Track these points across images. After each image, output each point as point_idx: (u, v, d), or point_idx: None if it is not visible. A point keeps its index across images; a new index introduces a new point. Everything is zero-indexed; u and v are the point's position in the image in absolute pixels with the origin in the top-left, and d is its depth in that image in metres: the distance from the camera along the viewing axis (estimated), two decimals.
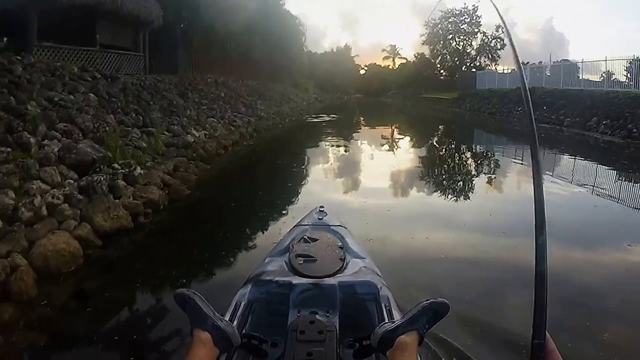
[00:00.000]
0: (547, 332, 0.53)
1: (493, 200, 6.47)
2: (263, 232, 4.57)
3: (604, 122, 13.64)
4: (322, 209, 2.32)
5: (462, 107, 26.21)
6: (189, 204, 5.37)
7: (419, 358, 1.25)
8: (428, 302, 1.35)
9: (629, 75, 16.69)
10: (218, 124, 10.81)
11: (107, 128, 6.24)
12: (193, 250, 3.94)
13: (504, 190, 7.23)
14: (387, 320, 1.47)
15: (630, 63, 16.24)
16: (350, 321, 1.59)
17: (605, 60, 17.66)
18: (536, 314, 0.41)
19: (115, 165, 5.10)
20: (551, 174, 7.82)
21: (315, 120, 19.83)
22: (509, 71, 26.63)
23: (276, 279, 1.65)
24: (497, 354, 2.37)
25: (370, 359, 1.43)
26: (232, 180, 7.31)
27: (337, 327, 1.46)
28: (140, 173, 5.28)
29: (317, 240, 1.94)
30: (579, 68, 19.71)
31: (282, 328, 1.47)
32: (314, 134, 14.73)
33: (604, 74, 18.51)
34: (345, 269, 1.79)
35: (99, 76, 9.04)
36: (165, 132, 8.01)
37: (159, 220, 4.69)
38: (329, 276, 1.69)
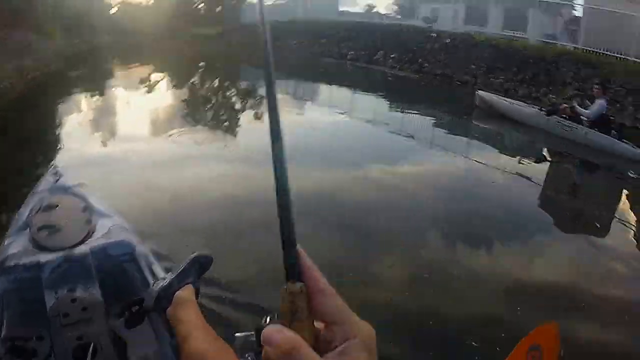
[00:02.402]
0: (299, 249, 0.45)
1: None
2: None
3: (391, 56, 14.00)
4: (56, 170, 2.05)
5: (228, 43, 22.81)
6: None
7: (198, 309, 1.16)
8: (194, 255, 1.26)
9: (396, 8, 17.60)
10: None
11: None
12: None
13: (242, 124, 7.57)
14: (150, 279, 1.39)
15: None
16: (113, 288, 1.46)
17: None
18: (283, 232, 0.37)
19: None
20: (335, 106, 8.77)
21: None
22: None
23: (22, 261, 1.45)
24: None
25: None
26: None
27: (100, 298, 1.35)
28: None
29: (57, 206, 1.71)
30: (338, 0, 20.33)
31: (44, 317, 1.32)
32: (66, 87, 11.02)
33: (366, 6, 19.71)
34: (94, 232, 1.60)
35: None
36: None
37: None
38: (78, 244, 1.52)
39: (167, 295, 1.19)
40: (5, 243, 1.68)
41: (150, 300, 1.20)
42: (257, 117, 7.81)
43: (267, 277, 2.60)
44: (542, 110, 8.15)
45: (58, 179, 1.99)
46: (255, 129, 6.82)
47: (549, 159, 7.40)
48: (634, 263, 3.73)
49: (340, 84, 11.85)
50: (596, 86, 7.59)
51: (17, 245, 1.58)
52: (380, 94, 11.00)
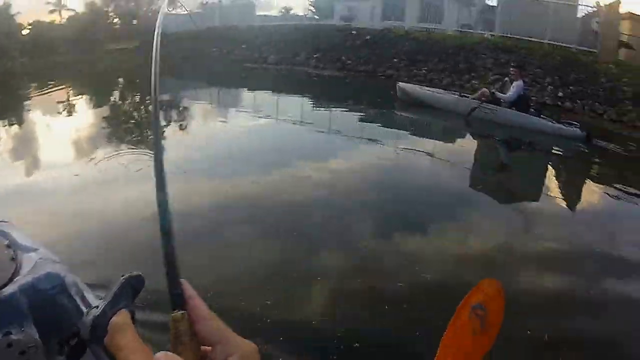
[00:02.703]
0: (182, 280, 0.47)
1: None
2: None
3: (314, 56, 14.04)
4: None
5: (148, 55, 22.81)
6: None
7: (135, 333, 0.92)
8: (124, 277, 1.02)
9: (312, 9, 17.96)
10: None
11: None
12: None
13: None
14: (83, 308, 1.32)
15: None
16: (47, 323, 1.35)
17: None
18: (168, 267, 0.43)
19: None
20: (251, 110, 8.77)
21: None
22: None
23: None
24: None
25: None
26: None
27: (38, 337, 1.24)
28: None
29: None
30: (255, 5, 20.31)
31: None
32: None
33: (282, 10, 20.02)
34: (21, 269, 1.48)
35: None
36: None
37: None
38: (5, 284, 1.38)
39: (101, 323, 0.99)
40: None
41: (85, 331, 0.98)
42: (181, 128, 7.44)
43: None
44: (462, 95, 8.20)
45: None
46: (180, 142, 6.44)
47: (473, 141, 7.48)
48: (560, 227, 4.02)
49: (264, 88, 11.55)
50: (512, 69, 7.76)
51: None
52: (305, 94, 10.86)
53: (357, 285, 2.78)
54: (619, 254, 3.46)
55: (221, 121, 8.13)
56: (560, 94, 10.11)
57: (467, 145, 7.19)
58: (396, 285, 2.77)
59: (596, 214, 4.55)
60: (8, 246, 1.59)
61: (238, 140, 6.56)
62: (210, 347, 0.43)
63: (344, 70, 13.21)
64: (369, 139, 6.72)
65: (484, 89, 8.06)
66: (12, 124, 8.33)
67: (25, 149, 6.42)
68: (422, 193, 4.56)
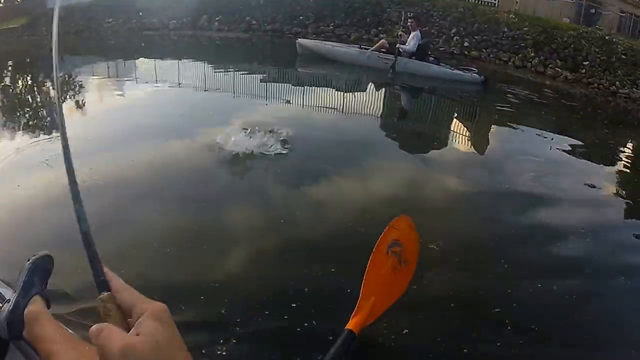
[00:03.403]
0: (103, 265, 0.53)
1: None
2: None
3: (217, 19, 13.45)
4: None
5: (37, 33, 18.71)
6: None
7: (52, 320, 1.18)
8: (30, 261, 1.26)
9: None
10: None
11: None
12: None
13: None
14: None
15: None
16: None
17: None
18: (91, 260, 0.50)
19: None
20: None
21: None
22: None
23: None
24: None
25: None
26: None
27: None
28: None
29: None
30: None
31: None
32: None
33: None
34: None
35: None
36: None
37: None
38: None
39: (17, 317, 1.16)
40: None
41: (3, 331, 1.15)
42: (79, 106, 6.64)
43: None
44: (362, 48, 8.11)
45: None
46: (89, 121, 5.85)
47: (377, 91, 7.55)
48: (466, 164, 4.30)
49: (165, 56, 10.80)
50: (410, 20, 7.86)
51: None
52: (209, 59, 10.25)
53: (274, 239, 2.73)
54: (518, 189, 3.72)
55: (118, 94, 7.51)
56: (466, 43, 10.40)
57: (371, 95, 7.21)
58: (312, 234, 2.78)
59: (494, 152, 4.85)
60: None
61: (136, 112, 6.12)
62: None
63: (249, 31, 12.68)
64: (273, 97, 6.56)
65: (383, 40, 8.13)
66: None
67: None
68: (329, 144, 4.50)
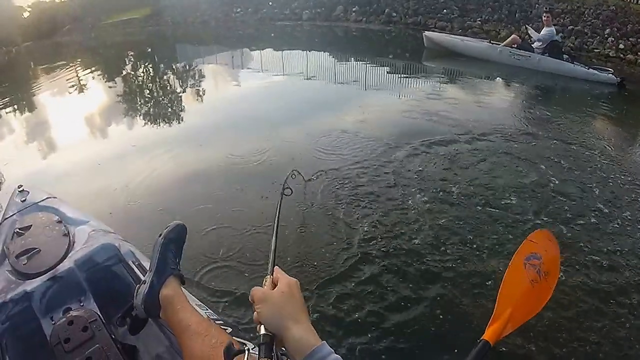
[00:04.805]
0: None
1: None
2: None
3: (353, 10, 13.02)
4: (21, 189, 1.89)
5: (161, 23, 19.70)
6: None
7: (186, 303, 1.19)
8: (161, 237, 1.25)
9: None
10: None
11: None
12: None
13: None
14: (141, 276, 1.34)
15: None
16: (108, 295, 1.40)
17: None
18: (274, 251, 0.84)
19: None
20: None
21: None
22: None
23: (8, 296, 1.32)
24: None
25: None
26: None
27: (99, 312, 1.28)
28: None
29: (31, 226, 1.59)
30: None
31: (47, 348, 1.20)
32: None
33: None
34: (75, 243, 1.53)
35: None
36: None
37: None
38: (61, 260, 1.42)
39: (153, 301, 1.17)
40: None
41: (140, 312, 1.19)
42: (199, 95, 7.46)
43: None
44: (492, 43, 8.01)
45: (25, 198, 1.86)
46: (197, 110, 6.59)
47: (506, 87, 7.34)
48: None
49: (293, 47, 11.00)
50: (545, 14, 7.52)
51: None
52: (339, 51, 10.35)
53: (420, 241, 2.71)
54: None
55: (235, 85, 7.98)
56: (621, 45, 9.25)
57: (500, 91, 7.08)
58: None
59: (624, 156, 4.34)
60: (59, 222, 1.61)
61: (257, 102, 6.48)
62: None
63: (390, 24, 12.36)
64: (396, 91, 6.74)
65: (514, 36, 7.96)
66: (25, 109, 8.04)
67: (46, 132, 6.38)
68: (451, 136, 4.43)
